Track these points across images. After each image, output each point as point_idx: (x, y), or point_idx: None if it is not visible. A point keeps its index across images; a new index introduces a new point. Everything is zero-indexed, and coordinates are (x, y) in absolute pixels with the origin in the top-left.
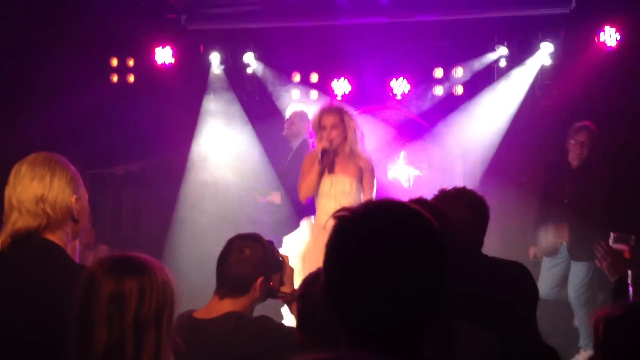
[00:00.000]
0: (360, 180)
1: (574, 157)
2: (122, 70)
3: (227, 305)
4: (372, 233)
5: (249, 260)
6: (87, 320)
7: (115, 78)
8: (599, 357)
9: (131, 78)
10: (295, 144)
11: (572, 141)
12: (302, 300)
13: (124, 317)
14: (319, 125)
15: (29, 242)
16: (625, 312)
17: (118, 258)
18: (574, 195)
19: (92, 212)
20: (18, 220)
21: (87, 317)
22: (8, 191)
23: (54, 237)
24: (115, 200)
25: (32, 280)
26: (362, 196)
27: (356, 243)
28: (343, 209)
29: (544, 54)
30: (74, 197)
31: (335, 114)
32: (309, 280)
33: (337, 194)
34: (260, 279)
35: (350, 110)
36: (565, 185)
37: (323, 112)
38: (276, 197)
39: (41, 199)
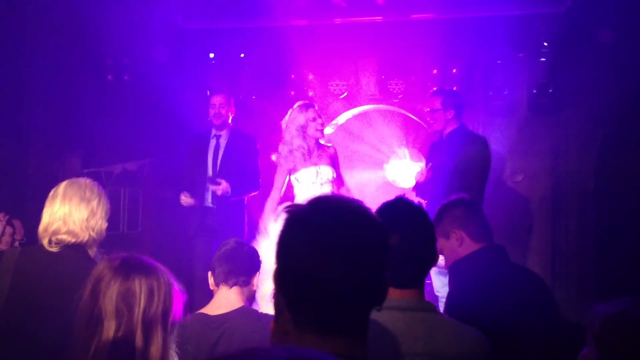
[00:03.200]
0: (335, 167)
1: (433, 127)
2: (117, 69)
3: (236, 295)
4: (319, 226)
5: (249, 255)
6: (96, 314)
7: (110, 77)
8: (595, 354)
9: (126, 77)
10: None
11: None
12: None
13: (132, 313)
14: (305, 120)
15: (70, 249)
16: (623, 309)
17: (126, 258)
18: (448, 164)
19: None
20: (61, 232)
21: (97, 310)
22: (54, 205)
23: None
24: (113, 199)
25: (71, 282)
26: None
27: (305, 236)
28: (293, 204)
29: (540, 52)
30: (105, 225)
31: (315, 108)
32: None
33: (323, 181)
34: (257, 273)
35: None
36: (442, 157)
37: (308, 108)
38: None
39: (86, 220)
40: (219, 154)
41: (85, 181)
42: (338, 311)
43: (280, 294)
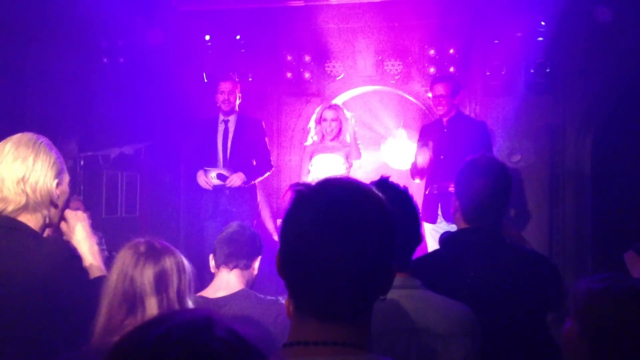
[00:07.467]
0: (347, 160)
1: (439, 112)
2: (112, 51)
3: (236, 278)
4: (325, 207)
5: (251, 239)
6: (136, 293)
7: (105, 59)
8: (577, 329)
9: (121, 60)
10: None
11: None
12: None
13: (169, 291)
14: (320, 119)
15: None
16: (607, 285)
17: (149, 242)
18: (450, 149)
19: (86, 196)
20: None
21: (135, 290)
22: None
23: (30, 219)
24: (110, 183)
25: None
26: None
27: (310, 216)
28: (301, 183)
29: (538, 32)
30: (55, 181)
31: (334, 110)
32: None
33: (331, 168)
34: (258, 258)
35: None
36: (441, 141)
37: (324, 108)
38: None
39: (22, 180)
40: (229, 139)
41: (19, 137)
42: (338, 297)
43: (282, 276)
